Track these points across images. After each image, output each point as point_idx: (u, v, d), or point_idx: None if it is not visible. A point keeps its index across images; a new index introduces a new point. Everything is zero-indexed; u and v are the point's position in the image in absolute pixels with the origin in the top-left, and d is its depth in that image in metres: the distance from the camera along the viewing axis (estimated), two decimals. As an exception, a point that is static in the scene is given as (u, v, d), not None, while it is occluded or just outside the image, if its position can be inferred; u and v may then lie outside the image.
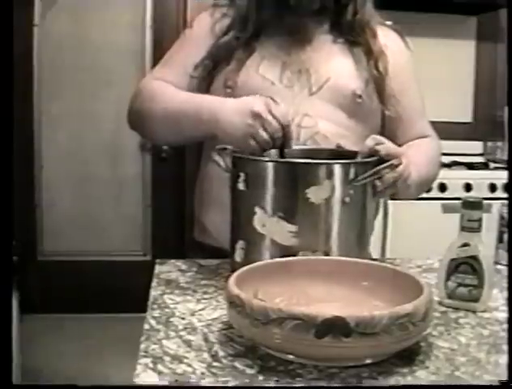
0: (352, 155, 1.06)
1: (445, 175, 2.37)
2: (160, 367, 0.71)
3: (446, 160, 2.75)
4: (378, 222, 1.38)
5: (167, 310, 0.90)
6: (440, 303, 0.95)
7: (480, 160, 3.12)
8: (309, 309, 0.71)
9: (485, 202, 0.96)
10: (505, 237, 1.21)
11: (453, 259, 0.95)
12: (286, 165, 1.00)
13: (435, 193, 2.61)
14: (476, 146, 3.21)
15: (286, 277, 0.87)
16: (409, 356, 0.75)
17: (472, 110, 3.31)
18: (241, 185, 1.00)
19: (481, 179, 2.73)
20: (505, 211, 1.22)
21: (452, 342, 0.81)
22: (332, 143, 1.20)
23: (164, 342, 0.79)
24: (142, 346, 0.77)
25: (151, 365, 0.72)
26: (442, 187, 2.66)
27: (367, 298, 0.85)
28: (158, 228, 3.30)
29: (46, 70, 3.12)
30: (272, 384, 0.68)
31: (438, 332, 0.84)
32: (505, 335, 0.84)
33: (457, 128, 3.09)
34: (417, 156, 1.21)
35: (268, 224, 0.97)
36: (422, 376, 0.71)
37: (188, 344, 0.78)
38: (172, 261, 1.15)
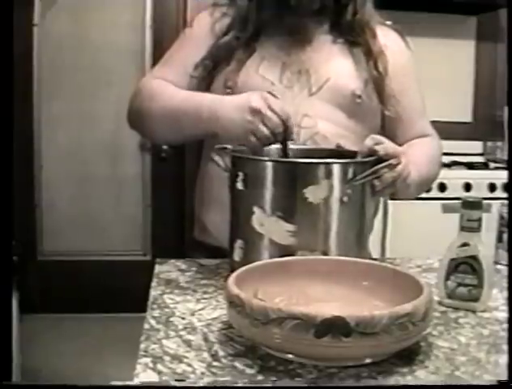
0: (351, 155, 1.06)
1: (444, 175, 2.36)
2: (159, 367, 0.71)
3: (446, 159, 2.75)
4: (378, 222, 1.38)
5: (167, 310, 0.90)
6: (440, 303, 0.95)
7: (480, 159, 3.12)
8: (309, 308, 0.71)
9: (485, 202, 0.96)
10: (505, 236, 1.21)
11: (453, 259, 0.95)
12: (284, 165, 1.00)
13: (435, 193, 2.61)
14: (476, 146, 3.21)
15: (286, 277, 0.87)
16: (409, 355, 0.75)
17: (472, 110, 3.31)
18: (239, 185, 1.00)
19: (481, 179, 2.73)
20: (505, 210, 1.22)
21: (452, 342, 0.81)
22: (332, 143, 1.20)
23: (164, 342, 0.79)
24: (142, 346, 0.77)
25: (150, 364, 0.72)
26: (442, 187, 2.66)
27: (367, 298, 0.85)
28: (158, 227, 3.30)
29: (46, 70, 3.11)
30: (272, 384, 0.68)
31: (438, 332, 0.84)
32: (504, 334, 0.84)
33: (457, 128, 3.09)
34: (417, 155, 1.21)
35: (266, 224, 0.97)
36: (422, 376, 0.71)
37: (188, 343, 0.78)
38: (172, 261, 1.16)
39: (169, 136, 1.27)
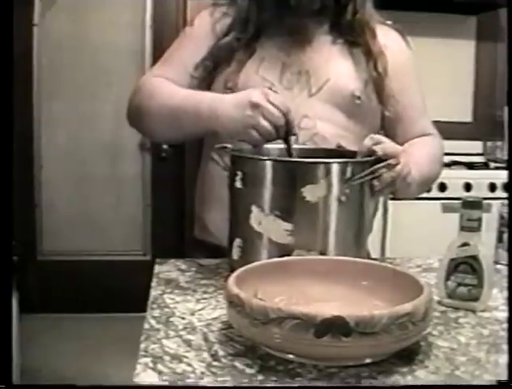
0: (351, 155, 1.06)
1: (445, 175, 2.34)
2: (159, 367, 0.71)
3: (446, 159, 2.72)
4: (378, 221, 1.38)
5: (167, 310, 0.90)
6: (440, 303, 0.95)
7: (480, 159, 3.12)
8: (309, 308, 0.71)
9: (485, 201, 0.96)
10: (505, 236, 1.21)
11: (452, 259, 0.95)
12: (282, 164, 1.00)
13: (435, 192, 2.61)
14: (476, 146, 3.22)
15: (286, 277, 0.87)
16: (409, 355, 0.75)
17: (472, 110, 3.31)
18: (238, 184, 1.00)
19: (481, 179, 2.73)
20: (505, 210, 1.22)
21: (452, 341, 0.81)
22: (331, 143, 1.20)
23: (164, 341, 0.79)
24: (142, 346, 0.77)
25: (150, 364, 0.72)
26: (442, 187, 2.66)
27: (366, 298, 0.84)
28: (158, 227, 3.30)
29: (46, 70, 3.11)
30: (272, 384, 0.68)
31: (438, 332, 0.84)
32: (504, 334, 0.84)
33: (457, 128, 3.08)
34: (418, 154, 1.21)
35: (264, 223, 0.97)
36: (422, 375, 0.71)
37: (188, 343, 0.78)
38: (172, 260, 1.15)
39: (169, 134, 1.27)
